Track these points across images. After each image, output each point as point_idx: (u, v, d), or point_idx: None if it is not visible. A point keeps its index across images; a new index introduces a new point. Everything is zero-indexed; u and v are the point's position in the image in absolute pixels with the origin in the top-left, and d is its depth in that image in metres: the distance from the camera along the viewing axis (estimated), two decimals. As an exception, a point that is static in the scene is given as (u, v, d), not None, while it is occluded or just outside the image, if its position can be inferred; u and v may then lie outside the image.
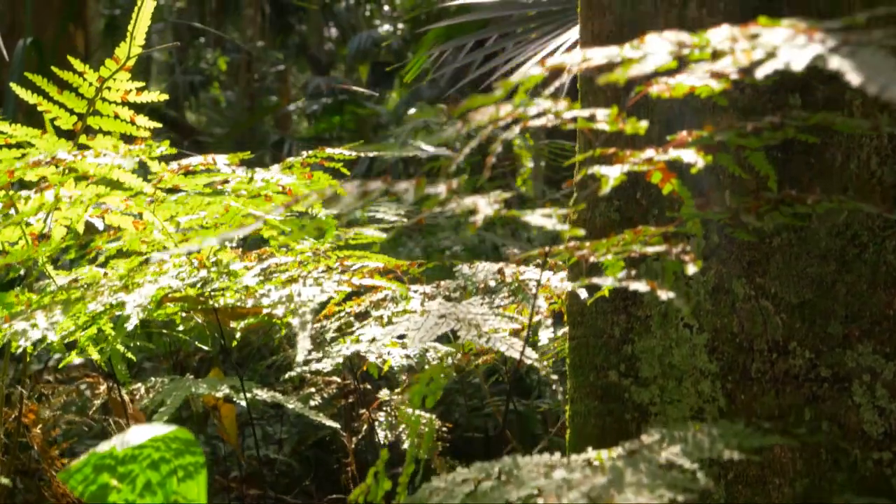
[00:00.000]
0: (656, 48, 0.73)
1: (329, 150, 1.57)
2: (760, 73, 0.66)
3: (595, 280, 1.07)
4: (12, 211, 1.54)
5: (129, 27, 1.63)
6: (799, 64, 0.66)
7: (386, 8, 18.40)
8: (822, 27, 0.71)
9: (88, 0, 10.48)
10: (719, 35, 0.73)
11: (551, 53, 2.42)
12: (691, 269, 0.91)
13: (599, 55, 0.80)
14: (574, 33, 2.41)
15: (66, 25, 4.67)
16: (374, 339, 1.36)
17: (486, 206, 0.91)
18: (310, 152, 1.57)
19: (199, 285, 1.33)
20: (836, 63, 0.66)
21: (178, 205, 1.61)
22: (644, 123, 0.86)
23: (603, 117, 0.86)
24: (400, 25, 17.95)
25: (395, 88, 17.70)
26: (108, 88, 1.66)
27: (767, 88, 1.40)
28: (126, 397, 1.79)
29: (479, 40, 2.82)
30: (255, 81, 10.33)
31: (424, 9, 14.47)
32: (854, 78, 0.64)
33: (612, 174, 0.89)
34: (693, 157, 0.89)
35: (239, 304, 1.32)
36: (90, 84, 1.65)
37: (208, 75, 13.98)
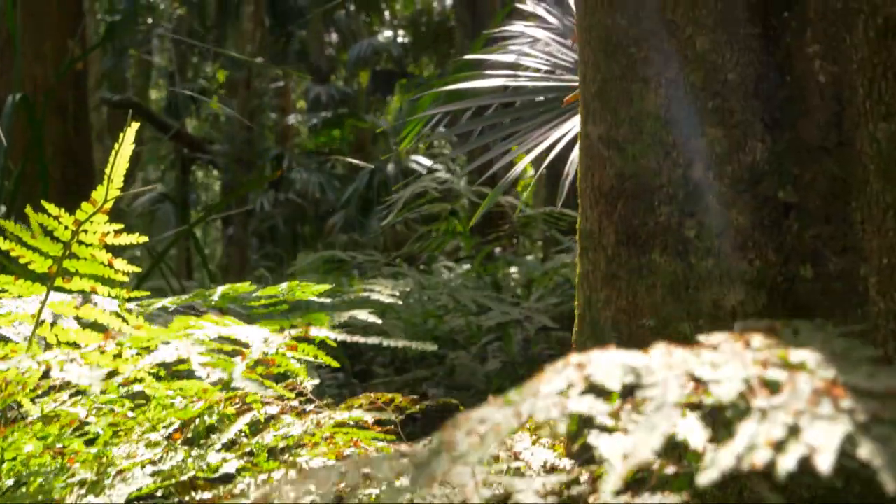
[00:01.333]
0: (666, 393, 0.65)
1: (314, 332, 1.49)
2: (783, 468, 0.59)
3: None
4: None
5: (107, 169, 1.55)
6: (825, 460, 0.58)
7: (386, 14, 18.30)
8: (849, 384, 0.63)
9: (85, 17, 10.41)
10: (732, 385, 0.65)
11: (553, 146, 2.34)
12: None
13: (601, 369, 0.73)
14: (574, 122, 2.33)
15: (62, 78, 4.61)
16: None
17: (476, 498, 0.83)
18: (294, 333, 1.49)
19: (169, 471, 1.25)
20: (866, 452, 0.59)
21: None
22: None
23: (603, 412, 0.78)
24: (401, 32, 17.86)
25: (395, 95, 17.61)
26: (85, 231, 1.58)
27: (778, 259, 1.32)
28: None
29: (479, 111, 2.74)
30: (255, 97, 10.24)
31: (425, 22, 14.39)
32: (888, 482, 0.57)
33: (615, 459, 0.81)
34: (700, 441, 0.81)
35: (215, 494, 1.25)
36: (66, 227, 1.57)
37: (207, 89, 13.90)
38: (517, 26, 2.78)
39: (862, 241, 1.30)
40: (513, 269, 6.39)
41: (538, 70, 2.57)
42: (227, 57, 13.57)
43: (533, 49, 2.70)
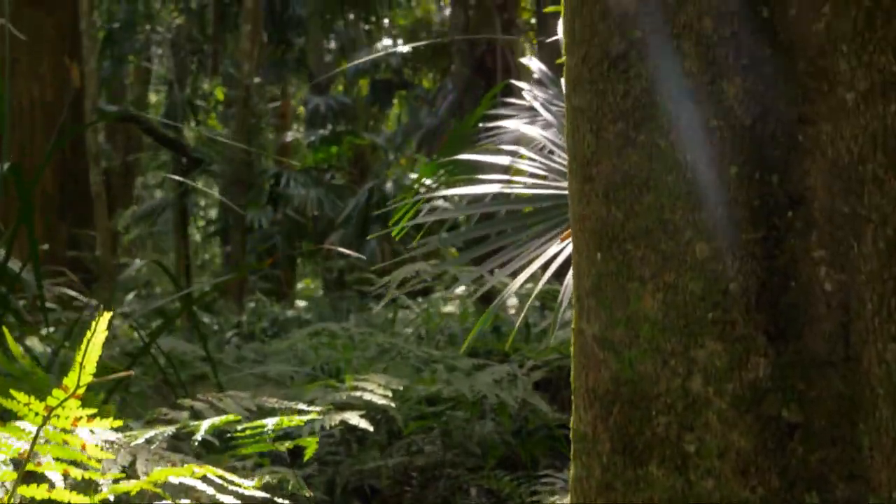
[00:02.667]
0: None
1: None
2: None
3: None
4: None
5: (78, 357, 1.48)
6: None
7: (386, 22, 18.21)
8: None
9: (83, 36, 10.33)
10: None
11: (550, 261, 2.27)
12: None
13: None
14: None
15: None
16: None
17: None
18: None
19: None
20: None
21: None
22: None
23: None
24: (399, 41, 17.78)
25: (394, 106, 17.52)
26: (57, 416, 1.52)
27: (782, 485, 1.25)
28: None
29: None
30: (253, 117, 10.17)
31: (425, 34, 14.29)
32: None
33: None
34: None
35: None
36: (36, 414, 1.51)
37: (204, 106, 13.84)
38: (512, 122, 2.71)
39: (870, 469, 1.23)
40: (513, 302, 6.32)
41: (532, 174, 2.50)
42: (225, 73, 13.48)
43: (526, 146, 2.63)
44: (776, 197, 1.30)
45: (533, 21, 13.07)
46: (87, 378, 1.52)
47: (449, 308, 6.42)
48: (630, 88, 1.37)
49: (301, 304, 12.87)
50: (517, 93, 3.34)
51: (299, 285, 16.70)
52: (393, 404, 2.71)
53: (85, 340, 1.49)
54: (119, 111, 14.40)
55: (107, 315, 1.48)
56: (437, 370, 3.76)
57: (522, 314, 2.29)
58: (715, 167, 1.30)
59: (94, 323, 1.47)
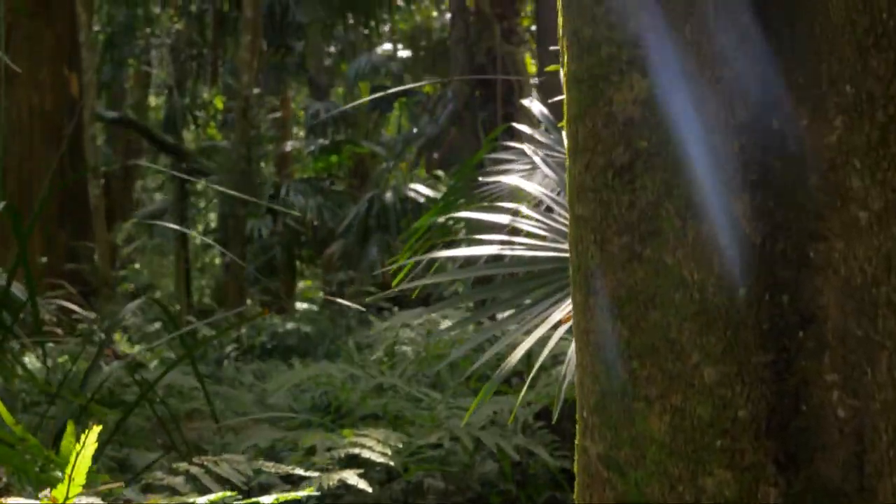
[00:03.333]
0: None
1: None
2: None
3: None
4: None
5: (68, 469, 1.44)
6: None
7: (386, 28, 18.16)
8: None
9: (82, 46, 10.27)
10: None
11: (555, 327, 2.23)
12: None
13: None
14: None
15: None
16: None
17: None
18: None
19: None
20: None
21: None
22: None
23: None
24: (400, 45, 17.72)
25: (394, 110, 17.47)
26: (45, 527, 1.47)
27: None
28: None
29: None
30: (252, 128, 10.12)
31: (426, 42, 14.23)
32: None
33: None
34: None
35: None
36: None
37: (204, 116, 13.80)
38: (512, 178, 2.67)
39: None
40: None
41: (532, 235, 2.46)
42: (224, 82, 13.44)
43: (524, 199, 2.59)
44: (787, 317, 1.25)
45: (533, 28, 13.02)
46: (77, 489, 1.48)
47: (448, 323, 6.38)
48: (636, 200, 1.32)
49: (301, 306, 12.82)
50: (517, 134, 3.31)
51: (300, 285, 16.69)
52: (392, 462, 2.67)
53: (73, 454, 1.45)
54: (117, 116, 14.36)
55: (96, 429, 1.44)
56: (436, 409, 3.72)
57: (528, 380, 2.24)
58: (724, 288, 1.26)
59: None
